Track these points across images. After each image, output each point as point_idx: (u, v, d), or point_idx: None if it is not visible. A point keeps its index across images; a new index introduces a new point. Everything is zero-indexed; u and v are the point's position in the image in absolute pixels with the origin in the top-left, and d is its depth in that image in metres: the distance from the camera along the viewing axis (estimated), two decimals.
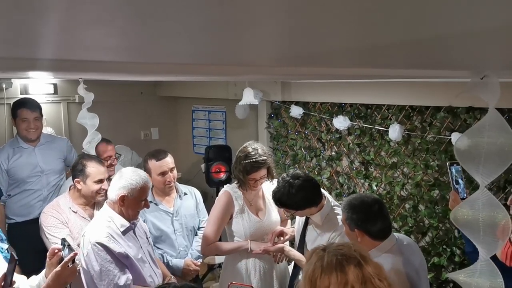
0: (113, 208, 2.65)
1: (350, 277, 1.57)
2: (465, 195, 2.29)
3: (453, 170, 2.28)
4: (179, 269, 3.23)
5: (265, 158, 2.91)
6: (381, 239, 2.25)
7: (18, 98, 4.55)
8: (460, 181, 2.29)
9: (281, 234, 2.97)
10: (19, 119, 3.68)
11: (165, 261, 3.20)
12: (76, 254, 2.27)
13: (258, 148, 2.94)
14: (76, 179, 3.00)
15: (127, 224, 2.62)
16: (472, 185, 3.18)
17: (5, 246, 2.81)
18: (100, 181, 3.00)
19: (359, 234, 2.24)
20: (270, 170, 2.98)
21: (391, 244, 2.25)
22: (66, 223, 2.95)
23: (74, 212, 3.00)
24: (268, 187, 3.06)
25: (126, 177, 2.64)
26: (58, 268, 2.17)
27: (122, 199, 2.60)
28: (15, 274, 2.37)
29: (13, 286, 2.14)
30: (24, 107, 3.67)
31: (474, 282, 1.37)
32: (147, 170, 3.29)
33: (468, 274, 1.40)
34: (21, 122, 3.67)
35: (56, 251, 2.26)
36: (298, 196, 2.64)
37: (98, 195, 3.01)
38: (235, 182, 3.02)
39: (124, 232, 2.62)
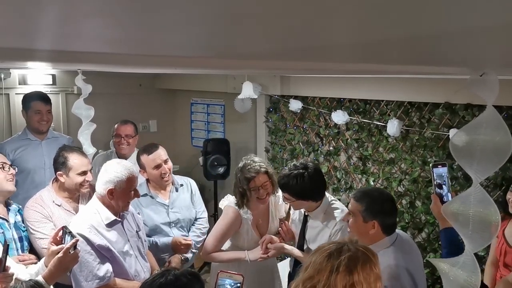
0: (101, 201, 2.63)
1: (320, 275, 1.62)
2: (450, 199, 2.13)
3: (435, 173, 2.17)
4: (168, 246, 3.22)
5: (261, 163, 2.85)
6: (389, 234, 2.27)
7: (16, 89, 4.57)
8: (443, 185, 2.19)
9: (271, 242, 2.91)
10: (31, 111, 3.71)
11: (153, 243, 3.18)
12: (77, 240, 2.31)
13: (254, 157, 2.92)
14: (59, 172, 2.92)
15: (112, 217, 2.61)
16: (469, 183, 3.18)
17: (19, 219, 2.86)
18: (84, 173, 2.91)
19: (374, 226, 2.24)
20: (271, 176, 2.87)
21: (394, 239, 2.28)
22: (50, 217, 2.88)
23: (58, 205, 2.93)
24: (272, 198, 3.03)
25: (111, 170, 2.63)
26: (60, 254, 2.22)
27: (111, 192, 2.59)
28: (14, 263, 2.40)
29: (8, 271, 2.16)
30: (38, 100, 3.72)
31: (452, 272, 1.39)
32: (141, 166, 3.29)
33: (450, 264, 1.41)
34: (34, 114, 3.70)
35: (58, 238, 2.30)
36: (307, 184, 2.62)
37: (82, 187, 2.94)
38: (235, 202, 2.92)
39: (109, 225, 2.61)
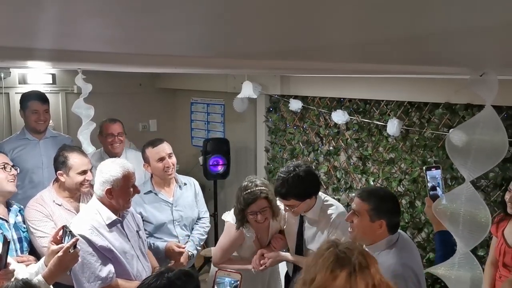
0: (101, 201, 2.63)
1: (337, 283, 1.56)
2: None
3: (428, 176, 2.17)
4: (161, 251, 3.23)
5: (262, 188, 2.76)
6: (393, 233, 2.29)
7: (16, 88, 4.57)
8: (437, 187, 2.20)
9: (263, 255, 2.92)
10: (29, 110, 3.71)
11: (149, 244, 3.20)
12: (77, 239, 2.30)
13: (257, 180, 2.83)
14: (59, 172, 2.94)
15: (113, 217, 2.61)
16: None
17: (20, 219, 2.87)
18: (84, 172, 2.93)
19: (381, 225, 2.24)
20: (270, 202, 2.78)
21: (397, 238, 2.30)
22: (51, 216, 2.89)
23: (58, 205, 2.94)
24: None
25: (106, 170, 2.62)
26: (60, 253, 2.22)
27: (109, 192, 2.59)
28: (14, 262, 2.40)
29: (9, 268, 2.16)
30: (35, 99, 3.72)
31: (453, 275, 1.39)
32: (146, 159, 3.33)
33: (447, 267, 1.42)
34: (31, 114, 3.70)
35: (58, 237, 2.30)
36: (306, 181, 2.63)
37: (82, 187, 2.95)
38: (235, 222, 2.88)
39: (110, 225, 2.61)
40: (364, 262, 1.61)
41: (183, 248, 3.26)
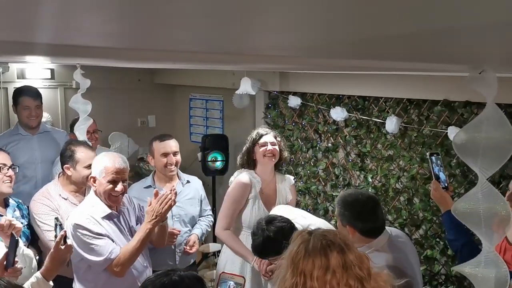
0: (97, 195, 2.67)
1: (332, 262, 1.61)
2: (446, 184, 2.34)
3: (433, 159, 2.31)
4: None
5: (269, 130, 3.08)
6: (373, 237, 2.24)
7: (15, 83, 4.56)
8: (441, 172, 2.34)
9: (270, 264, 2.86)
10: (20, 106, 3.71)
11: None
12: (65, 232, 2.35)
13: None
14: (66, 165, 2.95)
15: (108, 211, 2.64)
16: (467, 180, 3.19)
17: (18, 214, 2.88)
18: (90, 166, 2.93)
19: (350, 231, 2.23)
20: (279, 143, 3.10)
21: (383, 241, 2.25)
22: (57, 210, 2.91)
23: (64, 199, 2.96)
24: (281, 179, 3.21)
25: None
26: (52, 250, 2.24)
27: (93, 180, 2.65)
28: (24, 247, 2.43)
29: (16, 266, 2.17)
30: (26, 95, 3.71)
31: (479, 273, 1.39)
32: (151, 152, 3.35)
33: (473, 265, 1.42)
34: (22, 109, 3.70)
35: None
36: (279, 234, 2.41)
37: (88, 181, 2.99)
38: (241, 169, 3.01)
39: (105, 218, 2.63)
40: (345, 239, 1.69)
41: (178, 232, 3.23)
